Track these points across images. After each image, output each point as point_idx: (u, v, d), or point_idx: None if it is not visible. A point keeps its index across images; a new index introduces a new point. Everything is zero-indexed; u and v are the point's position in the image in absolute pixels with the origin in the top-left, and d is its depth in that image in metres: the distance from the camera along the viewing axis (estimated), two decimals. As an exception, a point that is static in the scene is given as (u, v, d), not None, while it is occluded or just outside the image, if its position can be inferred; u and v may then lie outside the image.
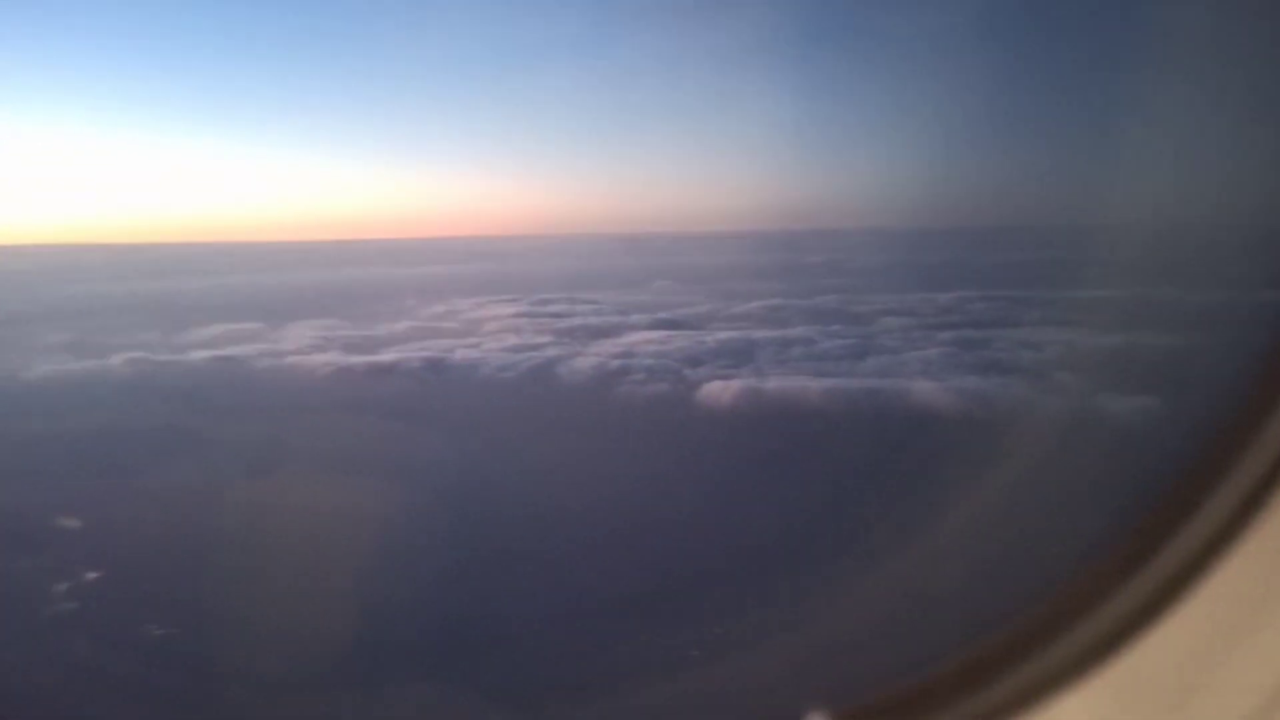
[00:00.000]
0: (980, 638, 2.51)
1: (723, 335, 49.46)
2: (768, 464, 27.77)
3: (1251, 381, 2.56)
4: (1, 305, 74.31)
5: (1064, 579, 2.60)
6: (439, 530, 23.37)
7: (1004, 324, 52.98)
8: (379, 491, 25.45)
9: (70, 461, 30.24)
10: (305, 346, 49.81)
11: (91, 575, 20.12)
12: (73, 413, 38.18)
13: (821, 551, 20.80)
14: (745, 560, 20.39)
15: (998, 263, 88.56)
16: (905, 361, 41.34)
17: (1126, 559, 2.53)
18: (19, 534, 22.53)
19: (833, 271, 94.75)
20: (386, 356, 44.54)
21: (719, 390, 35.85)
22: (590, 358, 43.25)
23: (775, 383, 36.82)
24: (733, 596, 18.68)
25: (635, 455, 28.65)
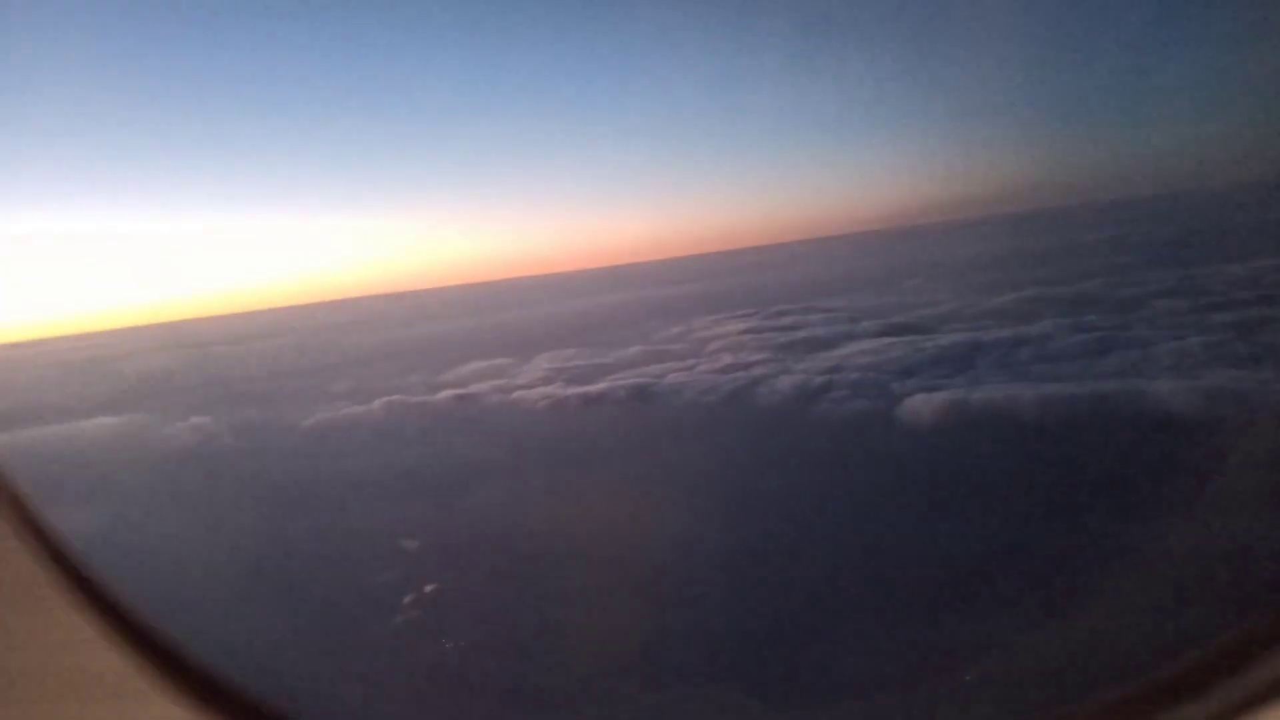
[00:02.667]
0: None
1: (948, 339, 45.62)
2: (950, 484, 25.09)
3: None
4: (297, 359, 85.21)
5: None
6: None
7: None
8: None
9: (319, 498, 33.95)
10: (535, 380, 52.27)
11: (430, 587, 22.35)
12: (333, 454, 42.90)
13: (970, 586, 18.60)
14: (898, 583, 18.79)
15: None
16: (1156, 355, 35.72)
17: None
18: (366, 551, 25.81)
19: (1112, 249, 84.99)
20: (597, 386, 45.56)
21: (920, 404, 32.96)
22: (797, 375, 41.57)
23: (985, 392, 33.23)
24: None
25: (805, 481, 27.03)
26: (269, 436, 49.99)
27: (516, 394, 48.58)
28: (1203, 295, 49.24)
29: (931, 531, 22.50)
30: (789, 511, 25.52)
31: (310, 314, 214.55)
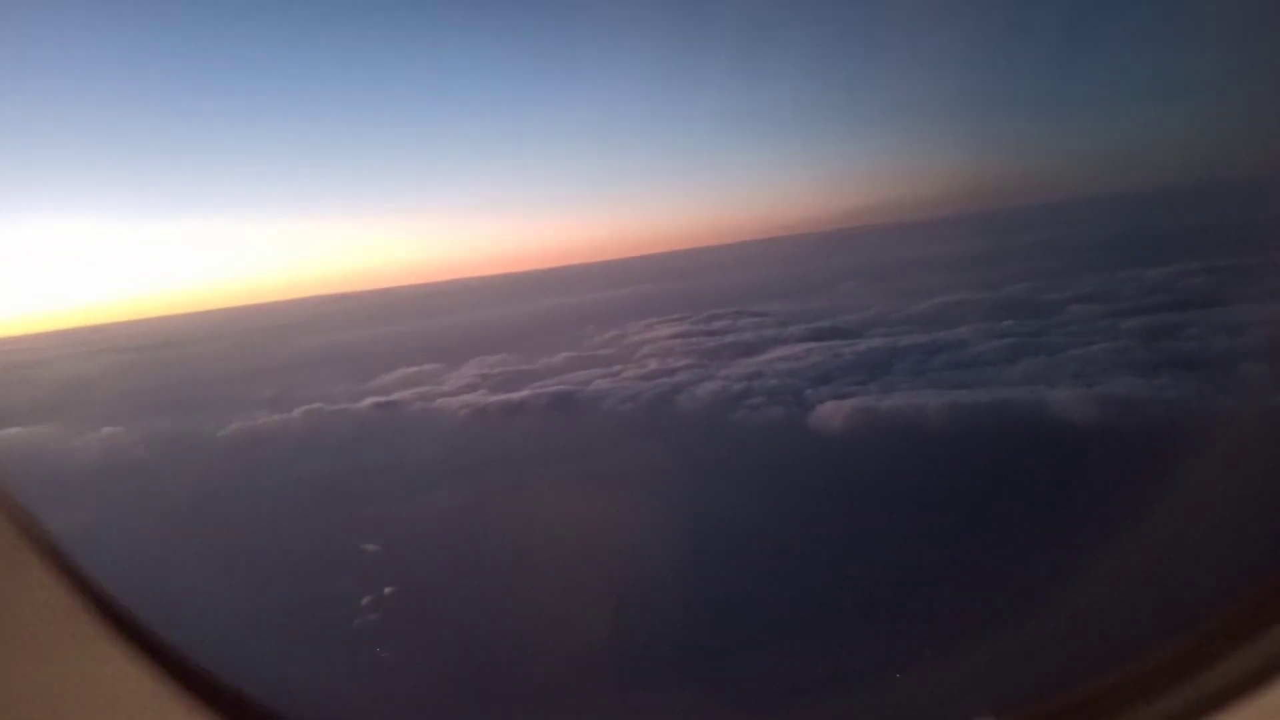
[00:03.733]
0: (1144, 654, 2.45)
1: (867, 344, 46.12)
2: (855, 490, 25.31)
3: None
4: (229, 364, 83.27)
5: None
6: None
7: (1216, 302, 45.80)
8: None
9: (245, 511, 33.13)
10: (461, 387, 51.64)
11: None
12: (243, 466, 41.93)
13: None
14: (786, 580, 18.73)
15: (1243, 224, 76.86)
16: (1062, 362, 36.40)
17: None
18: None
19: (1043, 252, 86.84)
20: (520, 394, 45.16)
21: (830, 412, 33.19)
22: (718, 381, 41.64)
23: (893, 400, 33.58)
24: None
25: (715, 488, 27.12)
26: (182, 448, 48.62)
27: (439, 401, 47.95)
28: (1117, 300, 50.43)
29: (825, 536, 22.67)
30: (692, 517, 25.48)
31: (250, 316, 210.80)
